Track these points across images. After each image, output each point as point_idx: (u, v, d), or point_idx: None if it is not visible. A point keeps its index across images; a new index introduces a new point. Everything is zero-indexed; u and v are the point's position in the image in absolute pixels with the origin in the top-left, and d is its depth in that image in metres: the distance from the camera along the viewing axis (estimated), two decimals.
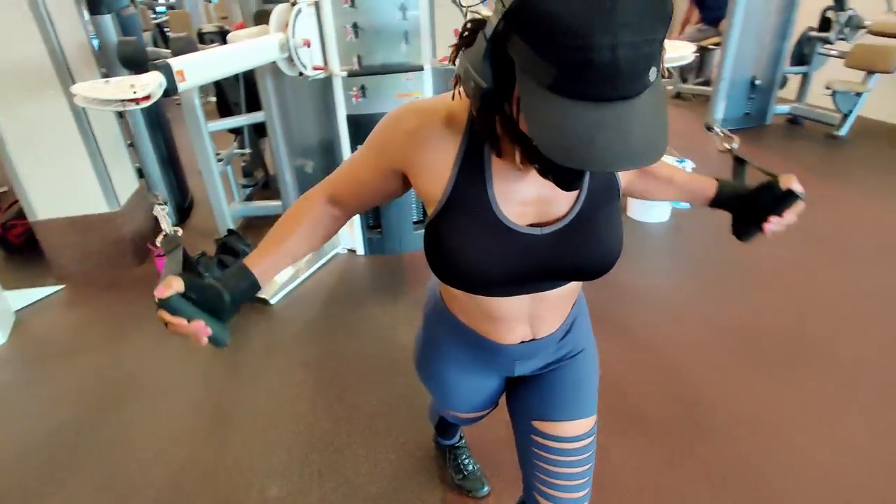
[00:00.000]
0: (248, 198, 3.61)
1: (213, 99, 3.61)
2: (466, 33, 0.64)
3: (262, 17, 2.46)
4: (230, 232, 2.82)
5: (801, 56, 4.93)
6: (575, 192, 0.76)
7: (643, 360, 2.13)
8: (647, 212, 3.24)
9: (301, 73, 2.40)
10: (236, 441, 1.84)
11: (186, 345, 0.71)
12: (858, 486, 1.59)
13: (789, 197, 0.88)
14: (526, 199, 0.75)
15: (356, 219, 2.87)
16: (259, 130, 3.51)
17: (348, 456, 1.76)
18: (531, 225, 0.76)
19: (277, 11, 2.28)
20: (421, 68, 2.54)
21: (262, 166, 3.83)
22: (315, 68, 2.44)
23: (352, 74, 2.49)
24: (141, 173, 3.15)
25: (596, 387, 1.02)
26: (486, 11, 0.66)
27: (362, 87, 2.56)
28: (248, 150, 3.62)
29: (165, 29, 6.32)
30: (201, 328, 0.70)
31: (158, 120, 3.21)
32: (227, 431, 1.89)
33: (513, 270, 0.77)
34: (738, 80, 4.78)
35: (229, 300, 0.74)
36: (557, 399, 0.98)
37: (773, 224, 0.90)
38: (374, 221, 2.94)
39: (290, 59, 2.35)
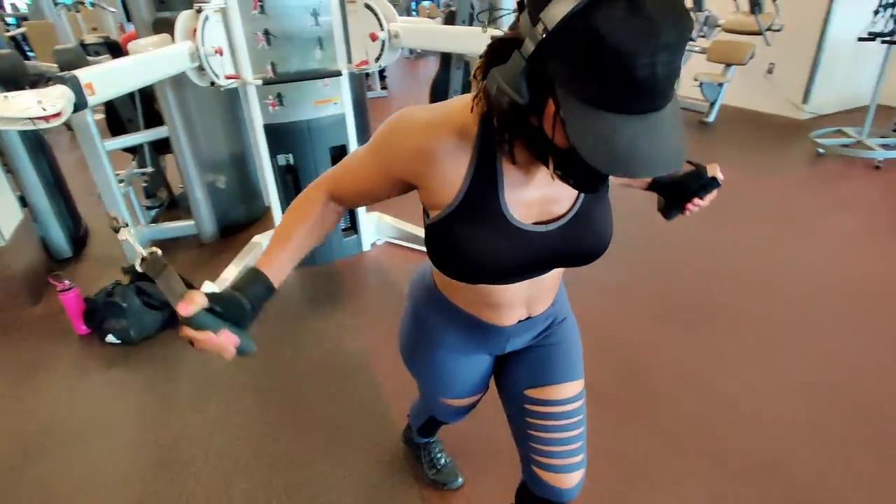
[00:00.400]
0: (154, 220, 3.34)
1: (101, 116, 3.30)
2: (495, 51, 0.65)
3: (162, 26, 2.31)
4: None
5: None
6: (568, 199, 0.82)
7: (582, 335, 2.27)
8: None
9: (213, 83, 2.28)
10: (188, 477, 1.72)
11: (216, 358, 0.74)
12: (781, 425, 1.83)
13: (712, 183, 1.01)
14: (531, 201, 0.79)
15: None
16: (159, 147, 3.27)
17: (315, 471, 1.72)
18: (535, 223, 0.80)
19: (182, 19, 2.15)
20: (338, 73, 2.52)
21: (164, 185, 3.57)
22: (228, 77, 2.33)
23: (267, 82, 2.41)
24: (24, 202, 2.80)
25: (580, 352, 1.09)
26: (501, 29, 0.68)
27: (279, 96, 2.49)
28: (149, 170, 3.35)
29: (23, 42, 5.65)
30: (230, 338, 0.71)
31: (40, 142, 2.88)
32: (175, 469, 1.75)
33: (520, 264, 0.82)
34: None
35: (249, 308, 0.75)
36: (547, 364, 1.04)
37: (695, 206, 1.02)
38: None
39: (200, 69, 2.23)
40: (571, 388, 1.03)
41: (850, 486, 1.60)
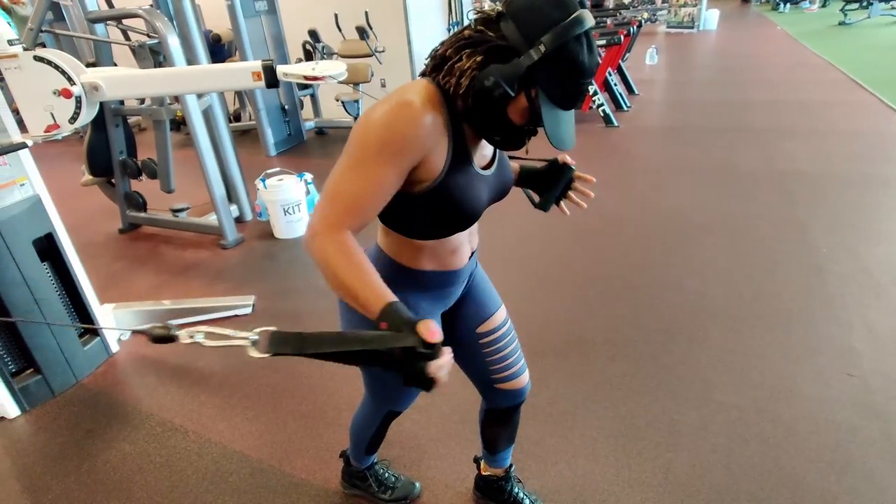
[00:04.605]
0: None
1: None
2: (495, 52, 0.85)
3: None
4: None
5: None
6: (492, 148, 1.07)
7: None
8: None
9: None
10: None
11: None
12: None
13: (567, 168, 1.21)
14: (477, 152, 1.01)
15: None
16: None
17: None
18: (482, 168, 1.03)
19: None
20: (21, 146, 1.93)
21: None
22: None
23: None
24: None
25: None
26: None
27: None
28: None
29: None
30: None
31: None
32: None
33: (486, 202, 1.04)
34: (271, 109, 5.41)
35: None
36: (483, 300, 1.26)
37: (568, 208, 1.31)
38: (21, 363, 2.08)
39: None
40: (503, 311, 1.29)
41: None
